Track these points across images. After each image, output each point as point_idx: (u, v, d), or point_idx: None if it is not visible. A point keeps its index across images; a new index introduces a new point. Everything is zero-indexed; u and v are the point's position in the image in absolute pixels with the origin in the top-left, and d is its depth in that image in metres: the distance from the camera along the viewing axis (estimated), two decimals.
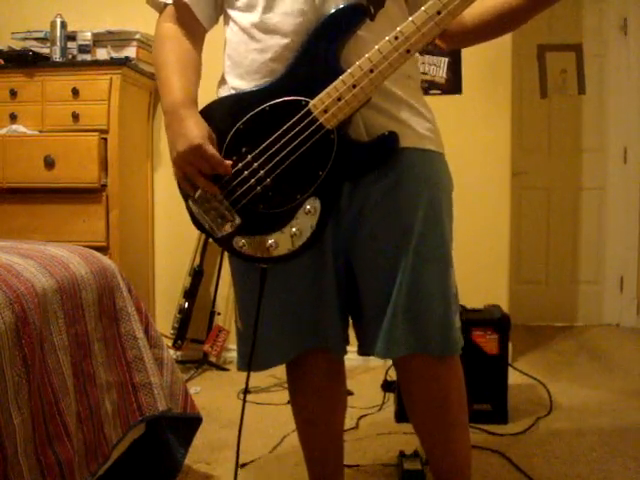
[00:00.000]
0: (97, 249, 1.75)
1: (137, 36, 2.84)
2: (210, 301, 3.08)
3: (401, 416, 2.25)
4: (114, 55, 2.82)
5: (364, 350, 1.30)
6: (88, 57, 2.81)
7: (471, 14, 1.25)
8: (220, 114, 1.19)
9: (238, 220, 1.18)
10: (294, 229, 1.16)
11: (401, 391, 1.39)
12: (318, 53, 1.13)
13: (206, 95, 1.26)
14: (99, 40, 2.85)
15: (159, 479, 1.69)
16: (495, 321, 2.27)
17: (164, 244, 3.20)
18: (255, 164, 1.15)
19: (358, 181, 1.20)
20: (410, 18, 1.07)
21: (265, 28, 1.17)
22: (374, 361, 2.70)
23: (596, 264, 4.01)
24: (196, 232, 2.99)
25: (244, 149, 1.16)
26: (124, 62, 2.74)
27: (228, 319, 3.15)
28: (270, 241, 1.17)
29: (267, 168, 1.15)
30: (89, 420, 1.35)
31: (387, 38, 1.08)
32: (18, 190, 2.74)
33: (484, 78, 3.00)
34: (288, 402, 2.43)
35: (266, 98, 1.15)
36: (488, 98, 3.00)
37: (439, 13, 1.06)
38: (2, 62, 2.82)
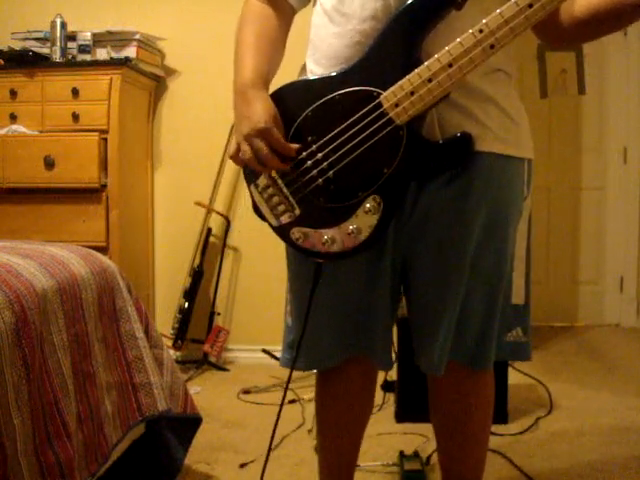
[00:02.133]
0: (97, 249, 1.75)
1: (137, 36, 2.84)
2: (210, 301, 3.08)
3: (401, 416, 2.25)
4: (114, 55, 2.81)
5: (415, 363, 1.27)
6: (88, 57, 2.81)
7: (581, 5, 1.10)
8: (290, 99, 1.13)
9: (297, 211, 1.14)
10: (352, 227, 1.10)
11: (428, 396, 1.35)
12: (396, 42, 1.06)
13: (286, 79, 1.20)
14: (99, 40, 2.84)
15: (159, 479, 1.69)
16: None
17: (164, 244, 3.20)
18: (319, 155, 1.10)
19: (425, 184, 1.13)
20: (498, 10, 0.97)
21: (344, 12, 1.11)
22: None
23: (596, 264, 4.01)
24: (196, 232, 3.00)
25: (310, 138, 1.11)
26: (124, 62, 2.74)
27: (228, 319, 3.16)
28: (326, 236, 1.12)
29: (331, 160, 1.10)
30: (89, 420, 1.35)
31: (471, 31, 0.99)
32: (18, 190, 2.74)
33: None
34: (289, 402, 2.44)
35: (338, 86, 1.09)
36: None
37: (531, 6, 0.96)
38: (2, 62, 2.82)
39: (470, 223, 1.13)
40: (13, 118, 2.76)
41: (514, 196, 1.18)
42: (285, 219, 1.15)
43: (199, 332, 3.02)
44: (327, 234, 1.12)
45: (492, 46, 0.99)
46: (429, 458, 1.88)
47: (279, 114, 1.12)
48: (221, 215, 3.04)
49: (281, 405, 1.25)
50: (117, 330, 1.55)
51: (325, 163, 1.10)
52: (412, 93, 1.03)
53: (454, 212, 1.13)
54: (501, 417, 2.23)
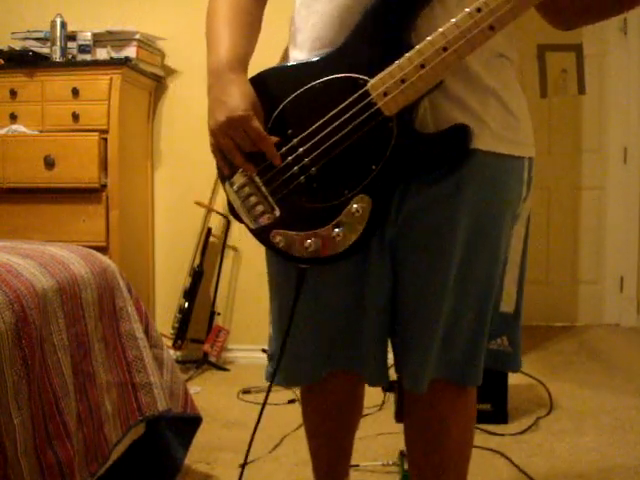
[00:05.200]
0: (97, 249, 1.74)
1: (137, 36, 2.84)
2: (210, 301, 3.08)
3: (401, 416, 2.24)
4: (114, 55, 2.81)
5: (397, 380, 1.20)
6: (88, 57, 2.81)
7: None
8: (268, 87, 1.02)
9: (277, 212, 1.03)
10: (337, 229, 1.00)
11: (404, 410, 1.23)
12: (385, 23, 0.93)
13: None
14: (99, 40, 2.84)
15: (159, 479, 1.69)
16: None
17: (164, 244, 3.19)
18: (300, 149, 1.00)
19: (412, 182, 1.01)
20: None
21: None
22: None
23: (596, 264, 4.00)
24: (196, 232, 3.00)
25: (290, 131, 1.00)
26: (124, 62, 2.74)
27: (228, 319, 3.15)
28: (309, 240, 1.01)
29: (313, 156, 0.99)
30: (89, 420, 1.35)
31: (468, 10, 0.88)
32: (18, 190, 2.74)
33: None
34: (288, 402, 2.44)
35: (320, 73, 0.98)
36: None
37: None
38: (2, 62, 2.82)
39: (457, 225, 1.02)
40: (13, 118, 2.76)
41: (510, 198, 1.06)
42: (264, 221, 1.05)
43: (199, 332, 3.02)
44: (310, 237, 1.01)
45: (492, 27, 0.87)
46: None
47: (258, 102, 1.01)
48: (221, 215, 3.04)
49: (256, 425, 1.17)
50: (117, 330, 1.55)
51: (307, 159, 0.99)
52: (403, 81, 0.92)
53: (441, 213, 1.02)
54: (501, 417, 2.23)
